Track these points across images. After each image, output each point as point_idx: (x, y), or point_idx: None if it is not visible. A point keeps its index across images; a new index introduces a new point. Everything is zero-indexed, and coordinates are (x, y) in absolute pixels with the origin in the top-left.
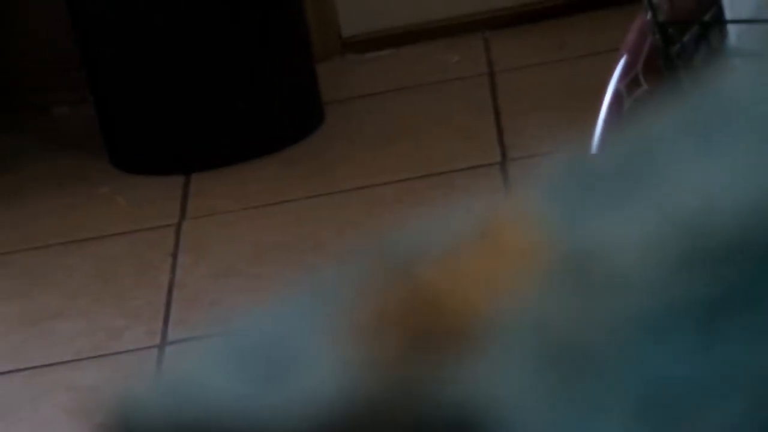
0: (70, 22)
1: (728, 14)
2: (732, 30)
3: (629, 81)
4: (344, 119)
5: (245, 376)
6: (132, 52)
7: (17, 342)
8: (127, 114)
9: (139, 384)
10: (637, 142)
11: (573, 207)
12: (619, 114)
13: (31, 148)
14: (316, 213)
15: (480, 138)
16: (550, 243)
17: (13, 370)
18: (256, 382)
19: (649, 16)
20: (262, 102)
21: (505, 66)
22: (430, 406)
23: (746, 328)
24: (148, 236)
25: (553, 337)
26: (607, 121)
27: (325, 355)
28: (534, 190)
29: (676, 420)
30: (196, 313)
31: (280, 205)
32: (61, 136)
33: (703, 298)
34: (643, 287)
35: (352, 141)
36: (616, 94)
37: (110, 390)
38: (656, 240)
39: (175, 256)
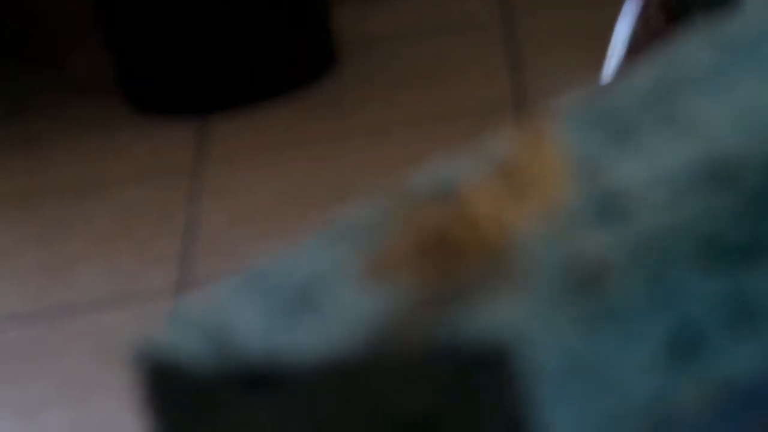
0: None
1: None
2: None
3: (642, 20)
4: (361, 61)
5: (275, 312)
6: None
7: (38, 287)
8: (143, 58)
9: (173, 320)
10: (660, 74)
11: (598, 139)
12: (634, 52)
13: (48, 96)
14: (334, 155)
15: (497, 80)
16: (576, 175)
17: (36, 315)
18: (286, 317)
19: None
20: (279, 42)
21: (525, 8)
22: (454, 337)
23: (760, 256)
24: (166, 181)
25: (577, 269)
26: (621, 60)
27: (353, 289)
28: (561, 123)
29: (697, 350)
30: (215, 256)
31: (298, 148)
32: (78, 84)
33: (732, 234)
34: (671, 220)
35: (370, 83)
36: (630, 34)
37: (136, 332)
38: (684, 172)
39: (192, 200)
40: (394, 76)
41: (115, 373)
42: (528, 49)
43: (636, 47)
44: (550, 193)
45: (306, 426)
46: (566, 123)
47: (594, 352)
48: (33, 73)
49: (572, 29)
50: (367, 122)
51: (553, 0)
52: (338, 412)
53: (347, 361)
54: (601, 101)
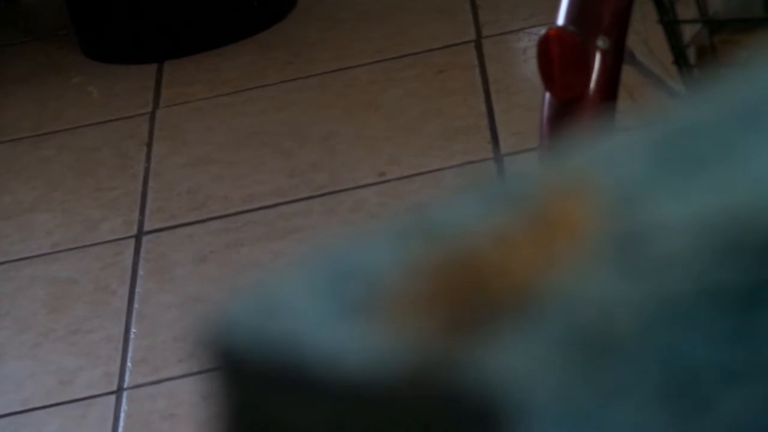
0: None
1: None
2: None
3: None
4: (318, 2)
5: (331, 305)
6: None
7: None
8: (98, 3)
9: (235, 301)
10: (707, 119)
11: (632, 184)
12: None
13: (2, 39)
14: (292, 97)
15: (456, 17)
16: (602, 221)
17: None
18: (341, 317)
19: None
20: None
21: None
22: (456, 385)
23: None
24: (123, 126)
25: (584, 318)
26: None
27: (363, 324)
28: (596, 162)
29: (699, 407)
30: (173, 201)
31: (256, 91)
32: (31, 27)
33: (739, 288)
34: (683, 273)
35: (327, 24)
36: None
37: (93, 277)
38: (705, 227)
39: (150, 145)
40: (353, 17)
41: (70, 320)
42: None
43: None
44: (575, 238)
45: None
46: (607, 162)
47: (590, 400)
48: None
49: None
50: (325, 63)
51: None
52: (357, 423)
53: (381, 379)
54: (645, 140)
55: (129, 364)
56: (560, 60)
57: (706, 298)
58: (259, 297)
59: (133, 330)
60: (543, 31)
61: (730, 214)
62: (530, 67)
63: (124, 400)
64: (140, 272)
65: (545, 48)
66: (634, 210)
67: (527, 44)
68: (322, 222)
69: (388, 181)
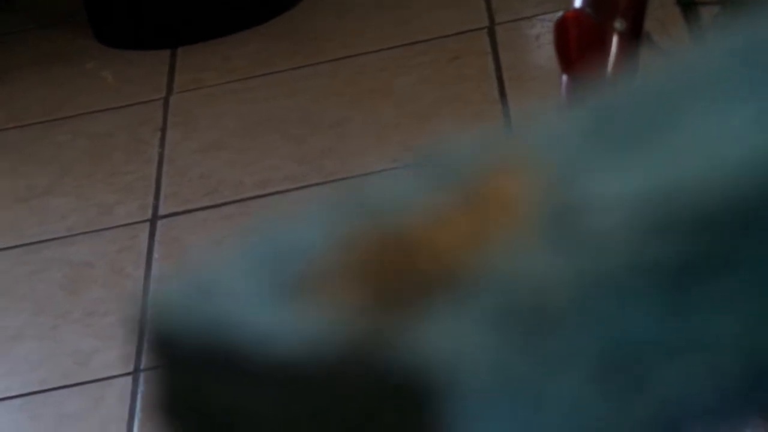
0: None
1: None
2: None
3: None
4: None
5: (266, 286)
6: None
7: (10, 219)
8: None
9: (172, 286)
10: (654, 90)
11: (570, 160)
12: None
13: (16, 25)
14: (303, 84)
15: (468, 4)
16: (538, 197)
17: (8, 247)
18: (276, 298)
19: None
20: None
21: None
22: (390, 361)
23: (713, 295)
24: (136, 111)
25: (519, 293)
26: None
27: (295, 303)
28: (535, 137)
29: (635, 382)
30: (187, 186)
31: (267, 77)
32: (45, 13)
33: (676, 263)
34: (619, 247)
35: (338, 11)
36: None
37: (108, 262)
38: (642, 202)
39: (163, 130)
40: (364, 4)
41: (86, 303)
42: None
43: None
44: (511, 213)
45: (264, 408)
46: (548, 136)
47: (526, 375)
48: None
49: None
50: (336, 50)
51: None
52: (290, 402)
53: (314, 357)
54: (588, 112)
55: (145, 345)
56: (577, 42)
57: (642, 273)
58: (194, 279)
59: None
60: (558, 15)
61: (666, 190)
62: (543, 54)
63: (141, 381)
64: (155, 255)
65: (562, 30)
66: (571, 186)
67: (540, 31)
68: None
69: (401, 167)
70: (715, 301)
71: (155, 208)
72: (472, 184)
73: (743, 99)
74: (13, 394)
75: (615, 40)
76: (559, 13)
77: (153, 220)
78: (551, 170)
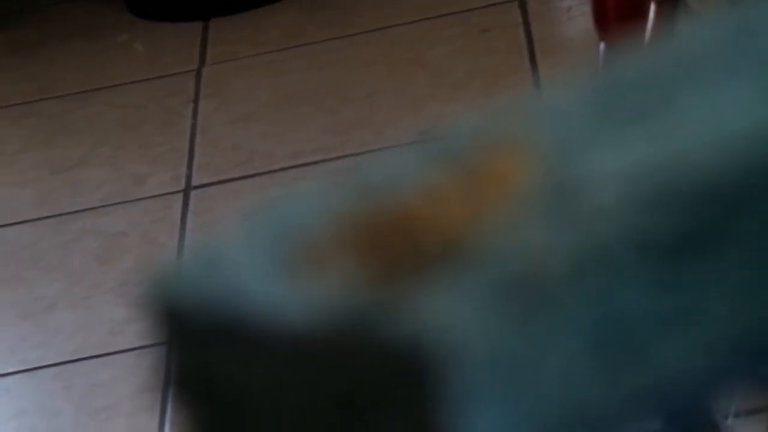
0: None
1: None
2: None
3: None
4: None
5: (273, 262)
6: None
7: (44, 190)
8: None
9: (177, 262)
10: (654, 68)
11: (573, 134)
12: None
13: (50, 0)
14: (335, 55)
15: None
16: (535, 173)
17: (42, 217)
18: (281, 272)
19: None
20: None
21: None
22: (389, 334)
23: (705, 271)
24: (169, 83)
25: (515, 267)
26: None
27: (298, 277)
28: (540, 112)
29: (629, 354)
30: (219, 157)
31: (299, 49)
32: None
33: (669, 238)
34: (614, 223)
35: None
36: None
37: (140, 233)
38: (637, 178)
39: (196, 101)
40: None
41: (120, 273)
42: None
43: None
44: (509, 189)
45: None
46: (548, 114)
47: (522, 348)
48: None
49: None
50: (368, 22)
51: None
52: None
53: (319, 329)
54: (588, 91)
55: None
56: (615, 9)
57: (636, 248)
58: (203, 254)
59: None
60: None
61: (661, 166)
62: (574, 26)
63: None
64: (188, 226)
65: None
66: (569, 161)
67: (571, 3)
68: None
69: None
70: (709, 275)
71: (188, 178)
72: (472, 160)
73: (748, 74)
74: (48, 363)
75: (653, 6)
76: None
77: (186, 191)
78: (550, 146)
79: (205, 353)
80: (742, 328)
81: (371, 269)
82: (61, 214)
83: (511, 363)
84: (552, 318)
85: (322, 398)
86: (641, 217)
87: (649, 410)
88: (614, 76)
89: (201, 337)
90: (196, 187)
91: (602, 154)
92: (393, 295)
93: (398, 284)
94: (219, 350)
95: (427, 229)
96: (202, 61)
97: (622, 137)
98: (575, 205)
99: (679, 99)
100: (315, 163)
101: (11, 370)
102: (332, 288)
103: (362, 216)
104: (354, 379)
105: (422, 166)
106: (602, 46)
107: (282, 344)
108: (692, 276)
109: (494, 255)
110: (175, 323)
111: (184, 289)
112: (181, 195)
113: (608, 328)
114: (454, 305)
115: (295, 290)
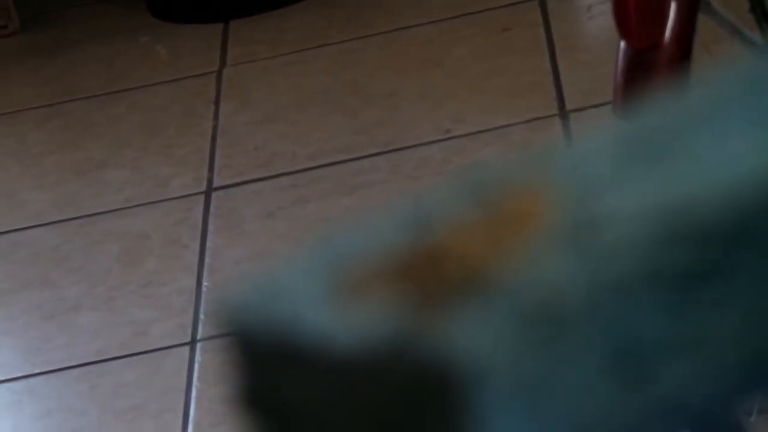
0: None
1: None
2: None
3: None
4: None
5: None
6: None
7: (67, 191)
8: None
9: (246, 284)
10: (674, 114)
11: (591, 179)
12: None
13: (71, 1)
14: (355, 56)
15: None
16: (559, 211)
17: (65, 219)
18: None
19: None
20: None
21: None
22: (419, 357)
23: (716, 299)
24: (190, 84)
25: (536, 297)
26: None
27: (347, 305)
28: (561, 159)
29: (642, 378)
30: (240, 158)
31: (319, 50)
32: None
33: (681, 270)
34: (631, 256)
35: None
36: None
37: (162, 234)
38: (654, 217)
39: (217, 103)
40: None
41: (143, 274)
42: None
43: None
44: (535, 226)
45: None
46: (575, 155)
47: (543, 372)
48: None
49: None
50: (387, 22)
51: None
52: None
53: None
54: (615, 133)
55: (201, 315)
56: (636, 8)
57: (650, 279)
58: (265, 281)
59: (204, 283)
60: None
61: (676, 205)
62: (595, 25)
63: (197, 351)
64: (210, 227)
65: None
66: (591, 200)
67: (591, 2)
68: (388, 178)
69: (454, 137)
70: (717, 304)
71: (210, 180)
72: (499, 200)
73: (760, 120)
74: (72, 364)
75: (673, 6)
76: None
77: (208, 192)
78: (572, 188)
79: (273, 376)
80: (749, 350)
81: (408, 299)
82: (84, 216)
83: (532, 385)
84: (571, 344)
85: (363, 417)
86: (656, 251)
87: (665, 427)
88: (637, 123)
89: (268, 361)
90: (217, 189)
91: (619, 195)
92: (426, 323)
93: (431, 313)
94: (284, 373)
95: (458, 263)
96: (223, 62)
97: (639, 180)
98: (595, 241)
99: (694, 144)
100: (336, 163)
101: (36, 371)
102: (373, 316)
103: (402, 250)
104: (391, 401)
105: (455, 205)
106: (622, 44)
107: (329, 367)
108: (701, 304)
109: (518, 286)
110: (244, 347)
111: (252, 317)
112: (202, 196)
113: (623, 352)
114: (481, 332)
115: (342, 318)
